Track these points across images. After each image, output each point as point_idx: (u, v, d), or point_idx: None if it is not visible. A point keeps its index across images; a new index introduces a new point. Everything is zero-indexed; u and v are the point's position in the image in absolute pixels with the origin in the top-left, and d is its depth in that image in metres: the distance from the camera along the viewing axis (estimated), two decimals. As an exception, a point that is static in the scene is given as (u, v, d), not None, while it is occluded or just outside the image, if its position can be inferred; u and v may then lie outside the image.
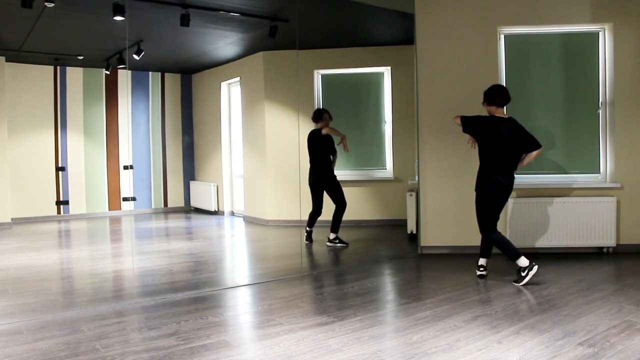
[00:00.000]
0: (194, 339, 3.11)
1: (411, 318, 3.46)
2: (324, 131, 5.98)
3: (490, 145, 4.34)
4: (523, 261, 4.24)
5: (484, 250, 4.57)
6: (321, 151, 6.08)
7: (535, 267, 4.19)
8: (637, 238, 5.39)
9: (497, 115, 4.38)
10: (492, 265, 4.77)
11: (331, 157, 6.21)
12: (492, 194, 4.34)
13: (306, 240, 6.21)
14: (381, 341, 3.07)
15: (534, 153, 4.41)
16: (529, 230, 5.36)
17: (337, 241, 6.11)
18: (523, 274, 4.22)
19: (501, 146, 4.31)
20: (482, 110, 4.53)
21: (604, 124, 5.47)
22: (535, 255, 5.32)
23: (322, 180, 6.10)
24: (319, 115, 6.13)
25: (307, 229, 6.21)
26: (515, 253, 4.29)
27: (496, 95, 4.35)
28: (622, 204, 5.37)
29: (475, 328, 3.24)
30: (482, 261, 4.58)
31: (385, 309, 3.74)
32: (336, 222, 6.13)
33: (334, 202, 6.13)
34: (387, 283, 4.66)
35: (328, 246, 6.10)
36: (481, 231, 4.46)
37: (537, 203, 5.35)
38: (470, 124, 4.42)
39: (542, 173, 5.57)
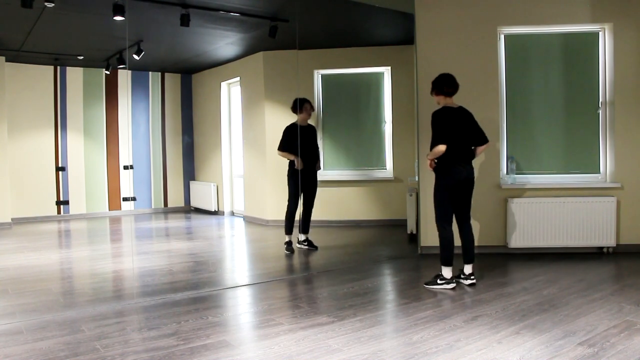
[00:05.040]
0: (194, 339, 3.11)
1: (411, 318, 3.46)
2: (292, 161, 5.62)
3: (449, 136, 4.11)
4: (447, 272, 4.16)
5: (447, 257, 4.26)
6: (301, 144, 5.62)
7: (452, 285, 4.12)
8: (637, 238, 5.39)
9: (447, 105, 4.21)
10: (492, 265, 4.77)
11: (314, 156, 5.79)
12: (454, 184, 4.18)
13: (286, 250, 5.70)
14: (381, 341, 3.07)
15: (482, 148, 4.27)
16: (529, 230, 5.36)
17: (306, 244, 5.86)
18: (439, 282, 4.16)
19: (459, 136, 4.13)
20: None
21: (604, 124, 5.47)
22: (535, 255, 5.33)
23: (301, 172, 5.66)
24: (299, 106, 5.60)
25: (288, 236, 5.72)
26: (448, 260, 4.17)
27: (443, 84, 4.19)
28: (622, 204, 5.37)
29: (475, 328, 3.24)
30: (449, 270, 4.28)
31: (385, 309, 3.74)
32: (306, 223, 5.83)
33: (304, 199, 5.78)
34: (387, 283, 4.66)
35: (298, 248, 5.86)
36: (436, 221, 4.26)
37: (537, 203, 5.35)
38: (444, 133, 4.10)
39: (542, 173, 5.57)
